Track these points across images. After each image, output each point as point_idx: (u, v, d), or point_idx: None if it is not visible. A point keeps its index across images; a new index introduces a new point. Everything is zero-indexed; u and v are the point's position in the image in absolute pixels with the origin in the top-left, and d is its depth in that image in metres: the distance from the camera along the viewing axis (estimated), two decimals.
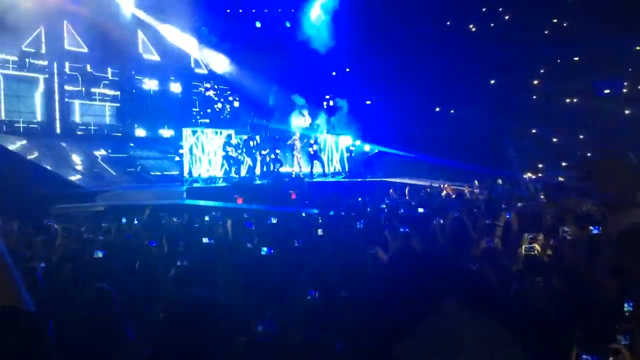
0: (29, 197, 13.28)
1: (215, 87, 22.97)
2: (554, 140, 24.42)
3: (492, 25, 25.72)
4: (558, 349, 3.52)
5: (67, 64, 20.79)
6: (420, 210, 11.37)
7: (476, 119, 22.82)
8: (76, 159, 19.65)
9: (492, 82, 25.34)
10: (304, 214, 11.52)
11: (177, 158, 19.40)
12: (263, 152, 21.00)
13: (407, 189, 16.90)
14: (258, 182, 19.43)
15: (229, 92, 23.65)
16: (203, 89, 23.04)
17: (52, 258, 6.40)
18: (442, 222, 8.34)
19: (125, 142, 21.91)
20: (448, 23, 26.07)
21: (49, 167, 17.45)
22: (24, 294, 1.44)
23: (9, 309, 1.36)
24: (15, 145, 17.81)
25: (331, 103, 22.99)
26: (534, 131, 24.54)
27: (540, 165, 23.48)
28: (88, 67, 21.25)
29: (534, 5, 23.77)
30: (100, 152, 20.49)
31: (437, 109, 26.68)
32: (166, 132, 23.42)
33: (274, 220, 9.77)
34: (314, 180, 20.74)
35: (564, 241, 6.40)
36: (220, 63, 24.38)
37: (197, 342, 1.67)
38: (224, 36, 24.65)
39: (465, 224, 7.92)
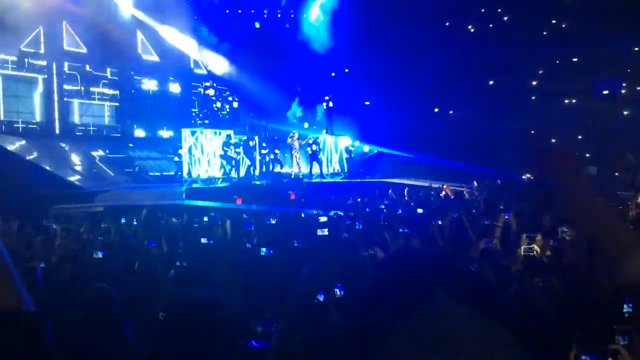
0: (28, 197, 13.27)
1: (215, 87, 22.95)
2: (553, 140, 24.40)
3: (491, 25, 25.75)
4: (557, 349, 3.52)
5: (66, 64, 20.79)
6: (420, 210, 11.38)
7: (475, 120, 22.82)
8: (75, 159, 19.65)
9: (491, 82, 25.36)
10: (303, 215, 11.52)
11: (176, 158, 19.38)
12: (263, 152, 21.00)
13: (406, 190, 16.90)
14: (257, 182, 19.43)
15: (228, 93, 23.64)
16: (202, 90, 23.03)
17: (52, 258, 6.40)
18: (440, 223, 8.35)
19: (125, 143, 21.90)
20: (447, 24, 26.10)
21: (48, 168, 17.44)
22: (23, 294, 1.44)
23: (9, 309, 1.36)
24: (14, 145, 17.80)
25: (331, 104, 22.95)
26: (532, 132, 24.51)
27: None
28: (87, 68, 21.24)
29: (533, 6, 23.79)
30: (99, 153, 20.48)
31: (436, 110, 26.70)
32: (165, 133, 23.42)
33: (273, 221, 9.76)
34: (313, 180, 20.74)
35: (563, 242, 6.41)
36: (219, 64, 24.39)
37: (197, 343, 1.66)
38: (223, 37, 24.66)
39: (464, 224, 7.93)
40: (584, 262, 4.75)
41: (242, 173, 20.00)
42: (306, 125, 23.90)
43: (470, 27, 26.45)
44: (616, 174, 20.87)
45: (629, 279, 1.35)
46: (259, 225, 9.58)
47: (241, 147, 20.08)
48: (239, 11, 25.86)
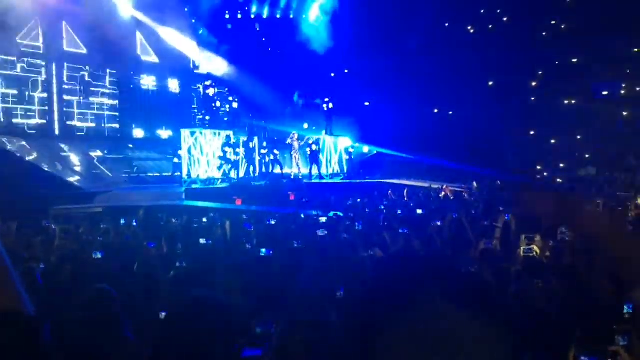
0: (27, 198, 13.27)
1: (214, 88, 22.96)
2: (552, 141, 24.45)
3: (490, 26, 25.76)
4: (557, 350, 3.52)
5: (65, 65, 20.77)
6: (419, 211, 11.39)
7: (475, 121, 22.83)
8: (74, 160, 19.64)
9: (491, 83, 25.38)
10: (302, 215, 11.52)
11: (175, 160, 19.38)
12: (262, 152, 21.01)
13: (405, 191, 16.92)
14: (256, 183, 19.42)
15: (227, 93, 23.65)
16: (202, 90, 23.02)
17: (51, 259, 6.40)
18: (439, 224, 8.35)
19: (124, 143, 21.89)
20: (447, 25, 26.11)
21: (47, 168, 17.44)
22: (23, 295, 1.44)
23: (8, 311, 1.36)
24: (14, 146, 17.78)
25: (330, 105, 22.96)
26: (532, 132, 24.57)
27: (538, 167, 23.51)
28: (87, 68, 21.22)
29: (533, 7, 23.80)
30: (98, 153, 20.47)
31: (436, 111, 26.71)
32: (164, 133, 23.41)
33: (272, 222, 9.76)
34: (313, 181, 20.74)
35: (563, 242, 6.41)
36: (218, 64, 24.38)
37: (197, 343, 1.66)
38: (223, 38, 24.66)
39: (464, 225, 7.93)
40: (584, 263, 4.75)
41: (242, 174, 20.00)
42: (305, 125, 23.90)
43: (470, 28, 26.47)
44: (616, 174, 20.87)
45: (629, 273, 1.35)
46: (259, 226, 9.58)
47: (241, 148, 20.08)
48: (239, 12, 25.85)
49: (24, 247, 7.28)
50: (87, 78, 21.36)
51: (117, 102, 22.43)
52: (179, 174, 19.16)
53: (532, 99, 25.19)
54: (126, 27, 21.34)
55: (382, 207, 12.99)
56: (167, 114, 23.33)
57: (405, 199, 15.94)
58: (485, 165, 19.72)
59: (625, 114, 23.22)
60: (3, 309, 1.35)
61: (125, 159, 21.04)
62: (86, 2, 19.75)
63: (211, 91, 22.66)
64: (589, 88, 23.87)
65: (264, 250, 6.26)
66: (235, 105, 22.93)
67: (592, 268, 4.36)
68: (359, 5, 24.77)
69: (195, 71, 24.47)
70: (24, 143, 18.41)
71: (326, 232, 7.84)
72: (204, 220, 11.00)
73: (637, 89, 23.46)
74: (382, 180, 21.69)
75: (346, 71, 26.97)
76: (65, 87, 20.78)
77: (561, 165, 23.71)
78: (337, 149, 23.10)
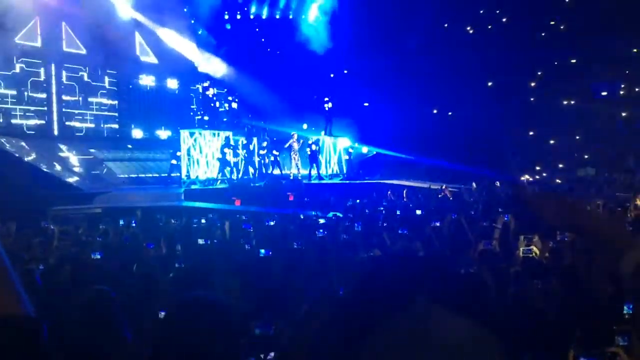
0: (26, 198, 13.25)
1: (213, 89, 22.96)
2: (552, 141, 24.48)
3: (490, 27, 25.78)
4: (556, 350, 3.53)
5: (65, 66, 20.76)
6: (418, 212, 11.39)
7: (474, 121, 22.84)
8: (73, 160, 19.63)
9: (490, 84, 25.39)
10: (302, 216, 11.53)
11: (173, 161, 19.38)
12: (261, 153, 21.01)
13: (405, 191, 16.91)
14: (256, 184, 19.41)
15: (226, 93, 23.64)
16: (201, 91, 23.02)
17: (50, 260, 6.39)
18: (438, 224, 8.35)
19: (123, 144, 21.88)
20: (446, 25, 26.12)
21: (46, 169, 17.42)
22: (22, 295, 1.43)
23: (8, 312, 1.36)
24: (12, 147, 17.76)
25: (330, 105, 22.95)
26: (531, 133, 24.59)
27: (537, 168, 23.53)
28: (86, 69, 21.21)
29: (532, 7, 23.82)
30: (97, 154, 20.46)
31: (435, 111, 26.71)
32: (163, 133, 23.40)
33: (272, 222, 9.77)
34: (312, 182, 20.73)
35: (562, 243, 6.41)
36: (218, 65, 24.38)
37: (197, 343, 1.66)
38: (222, 38, 24.65)
39: (463, 226, 7.94)
40: (583, 263, 4.75)
41: (241, 175, 20.00)
42: (305, 126, 23.89)
43: (469, 28, 26.49)
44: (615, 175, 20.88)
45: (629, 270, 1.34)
46: (258, 226, 9.58)
47: (240, 149, 20.08)
48: (238, 12, 25.85)
49: (23, 248, 7.28)
50: (86, 78, 21.35)
51: (116, 102, 22.42)
52: (177, 174, 19.14)
53: (532, 99, 25.21)
54: (125, 27, 21.32)
55: (382, 208, 12.99)
56: (166, 115, 23.33)
57: (405, 199, 15.94)
58: (484, 165, 19.72)
59: (624, 114, 23.26)
60: (2, 309, 1.35)
61: (125, 160, 21.02)
62: (85, 3, 19.74)
63: (210, 92, 22.66)
64: (589, 88, 23.90)
65: (263, 250, 6.26)
66: (234, 105, 22.92)
67: (592, 269, 4.36)
68: (358, 6, 24.77)
69: (194, 72, 24.46)
70: (22, 143, 18.39)
71: (325, 233, 7.84)
72: (203, 221, 11.01)
73: (637, 89, 23.49)
74: (382, 181, 21.68)
75: (345, 72, 26.97)
76: (64, 88, 20.76)
77: (560, 165, 23.72)
78: (337, 149, 23.09)
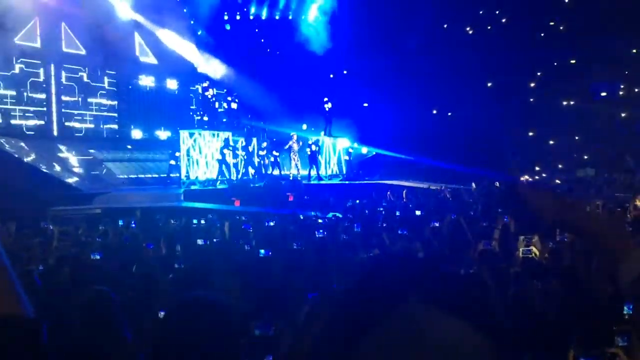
0: (25, 199, 13.25)
1: (213, 90, 22.97)
2: (551, 142, 24.49)
3: (489, 27, 25.79)
4: (556, 351, 3.52)
5: (64, 66, 20.76)
6: (418, 212, 11.40)
7: (474, 122, 22.85)
8: (73, 161, 19.63)
9: (490, 84, 25.40)
10: (301, 217, 11.53)
11: (172, 162, 19.38)
12: (261, 154, 21.00)
13: (404, 192, 16.91)
14: (256, 184, 19.41)
15: (225, 93, 23.64)
16: (201, 92, 23.03)
17: (50, 260, 6.39)
18: (437, 224, 8.35)
19: (123, 144, 21.88)
20: (446, 25, 26.13)
21: (45, 170, 17.41)
22: (22, 296, 1.43)
23: (7, 313, 1.36)
24: (12, 147, 17.76)
25: (330, 105, 22.94)
26: (531, 133, 24.61)
27: (537, 168, 23.54)
28: (86, 69, 21.22)
29: (532, 8, 23.83)
30: (97, 154, 20.46)
31: (435, 111, 26.71)
32: (163, 134, 23.41)
33: (271, 223, 9.77)
34: (311, 182, 20.73)
35: (562, 243, 6.41)
36: (217, 66, 24.38)
37: (197, 343, 1.66)
38: (221, 39, 24.65)
39: (462, 226, 7.93)
40: (583, 264, 4.75)
41: (241, 175, 20.00)
42: (304, 127, 23.88)
43: (469, 28, 26.50)
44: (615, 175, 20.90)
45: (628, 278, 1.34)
46: (258, 227, 9.58)
47: (240, 150, 20.08)
48: (237, 13, 25.85)
49: (22, 248, 7.27)
50: (85, 79, 21.35)
51: (115, 102, 22.43)
52: (177, 175, 19.13)
53: (531, 99, 25.23)
54: (125, 28, 21.32)
55: (381, 209, 12.99)
56: (166, 115, 23.33)
57: (404, 200, 15.94)
58: (484, 166, 19.72)
59: (624, 114, 23.27)
60: (2, 310, 1.35)
61: (125, 160, 21.02)
62: (85, 3, 19.75)
63: (210, 92, 22.66)
64: (588, 89, 23.92)
65: (262, 251, 6.26)
66: (234, 105, 22.92)
67: (592, 269, 4.36)
68: (357, 6, 24.78)
69: (194, 73, 24.47)
70: (22, 144, 18.39)
71: (325, 233, 7.84)
72: (203, 221, 11.01)
73: (636, 89, 23.51)
74: (381, 182, 21.67)
75: (345, 72, 26.97)
76: (64, 88, 20.76)
77: (560, 166, 23.74)
78: (336, 149, 23.08)
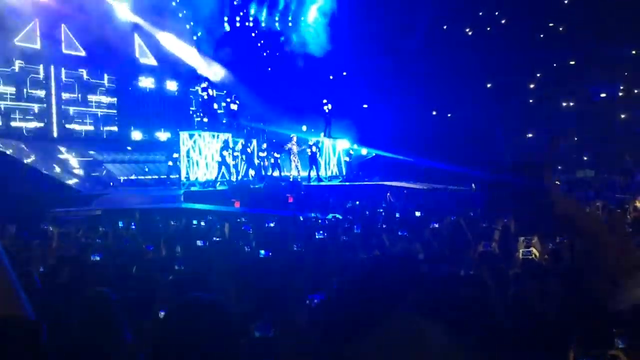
0: (25, 200, 13.24)
1: (213, 91, 22.97)
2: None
3: (489, 29, 25.81)
4: (556, 352, 3.52)
5: (64, 68, 20.78)
6: (417, 213, 11.39)
7: (474, 123, 22.85)
8: (73, 162, 19.64)
9: (489, 85, 25.41)
10: (301, 218, 11.52)
11: (170, 163, 19.38)
12: (261, 155, 21.00)
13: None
14: (256, 186, 19.40)
15: (225, 94, 23.66)
16: (200, 93, 23.04)
17: (49, 262, 6.38)
18: (437, 226, 8.35)
19: (123, 146, 21.89)
20: (445, 27, 26.15)
21: (45, 171, 17.41)
22: (22, 297, 1.43)
23: (7, 314, 1.36)
24: (12, 149, 17.77)
25: (330, 107, 22.94)
26: (530, 135, 24.61)
27: None
28: (85, 71, 21.24)
29: (531, 9, 23.85)
30: (97, 156, 20.47)
31: (434, 112, 26.72)
32: (163, 135, 23.41)
33: (271, 224, 9.76)
34: (311, 183, 20.72)
35: (562, 244, 6.41)
36: (216, 67, 24.39)
37: (197, 344, 1.66)
38: (221, 41, 24.66)
39: (462, 227, 7.93)
40: (583, 265, 4.74)
41: (240, 176, 20.00)
42: (304, 128, 23.88)
43: (468, 29, 26.51)
44: (614, 176, 20.90)
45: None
46: (258, 228, 9.58)
47: (240, 152, 20.09)
48: (237, 15, 25.87)
49: (22, 250, 7.27)
50: (85, 80, 21.37)
51: (115, 103, 22.44)
52: (177, 176, 19.13)
53: (531, 100, 25.24)
54: (124, 30, 21.36)
55: (381, 210, 12.99)
56: (166, 116, 23.36)
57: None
58: (484, 167, 19.66)
59: (623, 116, 23.28)
60: (2, 311, 1.35)
61: (125, 161, 21.04)
62: (85, 5, 19.77)
63: (206, 93, 22.68)
64: (587, 90, 23.93)
65: (262, 251, 6.26)
66: (233, 107, 22.93)
67: (592, 270, 4.35)
68: (357, 8, 24.80)
69: (193, 74, 24.49)
70: (22, 145, 18.40)
71: (325, 234, 7.84)
72: (202, 223, 11.00)
73: (635, 91, 23.52)
74: (381, 183, 21.66)
75: (344, 73, 26.98)
76: (64, 89, 20.78)
77: (559, 167, 23.73)
78: (336, 151, 23.08)
